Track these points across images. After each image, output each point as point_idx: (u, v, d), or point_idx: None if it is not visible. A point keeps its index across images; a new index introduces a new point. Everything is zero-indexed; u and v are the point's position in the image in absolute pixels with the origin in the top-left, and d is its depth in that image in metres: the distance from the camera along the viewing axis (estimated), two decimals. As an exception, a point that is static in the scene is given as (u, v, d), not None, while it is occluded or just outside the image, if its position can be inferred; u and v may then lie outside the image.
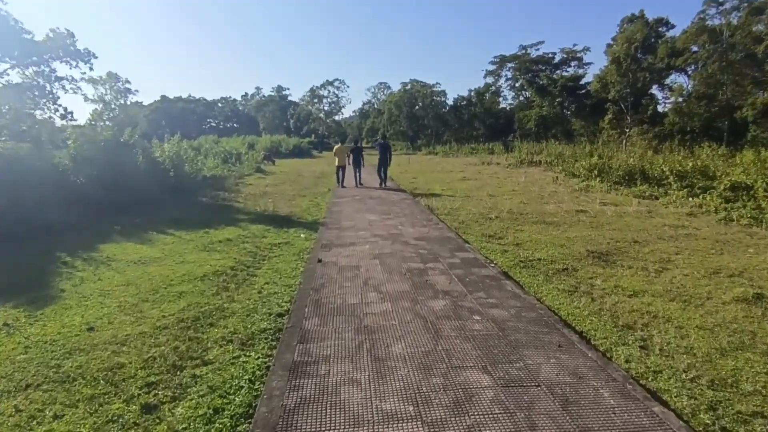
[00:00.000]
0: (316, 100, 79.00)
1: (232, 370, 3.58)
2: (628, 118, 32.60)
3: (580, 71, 56.82)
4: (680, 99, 36.17)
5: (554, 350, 3.67)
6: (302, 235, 8.76)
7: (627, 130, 32.10)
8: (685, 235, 8.87)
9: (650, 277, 6.24)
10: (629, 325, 4.54)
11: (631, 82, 31.91)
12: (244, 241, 8.19)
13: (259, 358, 3.80)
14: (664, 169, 15.71)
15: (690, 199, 13.24)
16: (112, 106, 62.33)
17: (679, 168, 15.21)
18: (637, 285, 5.88)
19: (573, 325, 4.44)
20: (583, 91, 54.19)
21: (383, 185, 17.33)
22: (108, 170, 10.93)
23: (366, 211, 11.30)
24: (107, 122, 66.80)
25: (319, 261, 6.58)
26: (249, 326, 4.43)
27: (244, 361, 3.73)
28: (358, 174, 17.84)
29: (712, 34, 32.99)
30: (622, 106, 33.55)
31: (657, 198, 14.21)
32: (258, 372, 3.55)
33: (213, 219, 10.20)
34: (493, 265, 6.44)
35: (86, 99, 63.72)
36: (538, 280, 6.04)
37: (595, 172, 18.23)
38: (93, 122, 57.72)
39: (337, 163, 17.62)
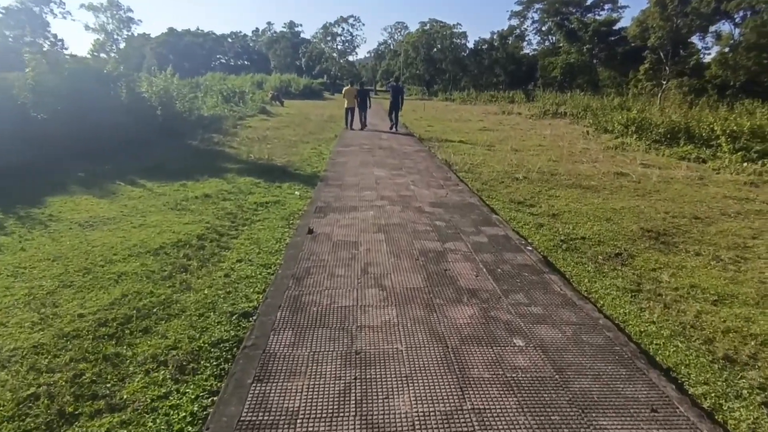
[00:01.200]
0: (329, 38, 75.10)
1: (150, 426, 2.34)
2: (667, 68, 29.74)
3: (614, 15, 52.47)
4: (726, 49, 32.91)
5: (646, 418, 2.36)
6: (296, 193, 7.39)
7: (664, 82, 29.34)
8: (755, 211, 7.36)
9: (730, 273, 4.84)
10: (731, 358, 3.21)
11: (675, 28, 28.76)
12: (225, 197, 6.85)
13: (197, 397, 2.55)
14: (715, 128, 13.82)
15: (745, 164, 11.55)
16: (115, 36, 59.45)
17: (734, 128, 13.30)
18: (718, 284, 4.50)
19: (655, 356, 3.11)
20: (615, 38, 50.22)
21: (395, 129, 17.05)
22: (78, 105, 9.47)
23: (374, 164, 9.82)
24: (112, 54, 64.25)
25: (310, 232, 5.24)
26: (198, 335, 3.16)
27: (171, 406, 2.48)
28: (363, 116, 17.55)
29: (772, -26, 29.32)
30: (662, 54, 30.53)
31: (705, 161, 12.53)
32: (189, 430, 2.31)
33: (197, 167, 8.81)
34: (530, 248, 5.04)
35: (87, 28, 60.93)
36: (588, 272, 4.67)
37: (632, 128, 16.32)
38: (95, 53, 55.44)
39: (346, 105, 17.44)
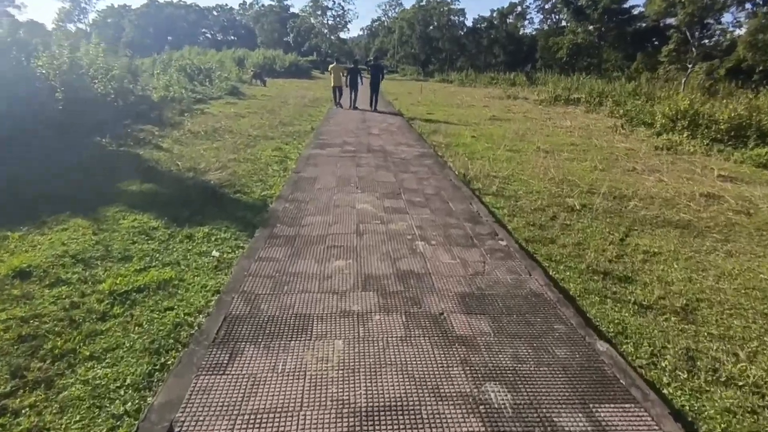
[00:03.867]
0: (319, 12, 70.18)
1: None
2: (694, 49, 26.37)
3: (626, -8, 48.64)
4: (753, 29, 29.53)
5: None
6: (214, 254, 4.12)
7: (689, 65, 26.03)
8: None
9: None
10: None
11: (706, 4, 25.31)
12: (60, 278, 3.52)
13: None
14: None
15: None
16: (83, 5, 54.17)
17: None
18: None
19: None
20: (626, 16, 46.59)
21: (374, 108, 16.67)
22: None
23: (358, 183, 6.50)
24: (82, 25, 58.87)
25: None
26: None
27: None
28: (353, 95, 16.85)
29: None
30: (688, 34, 27.12)
31: (795, 171, 9.46)
32: None
33: (67, 190, 5.46)
34: None
35: (51, -6, 55.31)
36: None
37: (683, 122, 13.09)
38: (61, 23, 50.71)
39: (332, 83, 16.94)
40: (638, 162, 9.53)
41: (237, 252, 4.20)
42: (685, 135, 12.52)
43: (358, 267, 3.77)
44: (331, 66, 17.29)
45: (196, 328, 2.98)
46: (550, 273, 4.11)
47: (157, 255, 4.02)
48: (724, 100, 14.86)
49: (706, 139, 11.99)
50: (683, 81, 25.28)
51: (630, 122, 15.35)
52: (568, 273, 4.16)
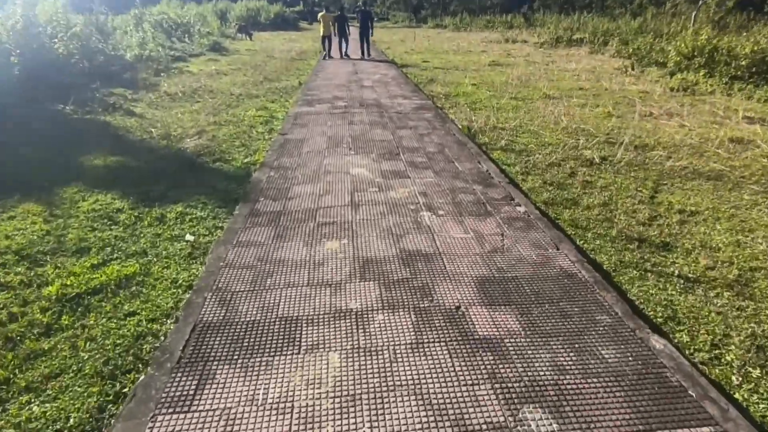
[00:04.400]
0: (302, -44, 65.90)
1: None
2: (705, -22, 24.52)
3: None
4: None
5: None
6: (188, 238, 3.54)
7: (700, -3, 24.33)
8: None
9: None
10: None
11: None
12: (1, 283, 2.97)
13: None
14: (831, 59, 9.85)
15: None
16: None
17: None
18: None
19: None
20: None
21: (367, 56, 16.45)
22: None
23: (351, 144, 5.81)
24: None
25: None
26: None
27: None
28: (344, 44, 16.58)
29: None
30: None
31: (826, 108, 8.71)
32: None
33: (19, 169, 4.80)
34: None
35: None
36: None
37: (700, 60, 12.16)
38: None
39: (322, 33, 16.47)
40: (654, 105, 8.79)
41: (215, 234, 3.61)
42: (701, 73, 11.64)
43: (354, 249, 3.19)
44: (320, 14, 16.69)
45: (162, 338, 2.45)
46: (579, 243, 3.55)
47: (120, 244, 3.44)
48: (744, 34, 13.83)
49: (725, 77, 11.13)
50: (693, 15, 23.74)
51: (639, 62, 14.39)
52: (598, 242, 3.60)
